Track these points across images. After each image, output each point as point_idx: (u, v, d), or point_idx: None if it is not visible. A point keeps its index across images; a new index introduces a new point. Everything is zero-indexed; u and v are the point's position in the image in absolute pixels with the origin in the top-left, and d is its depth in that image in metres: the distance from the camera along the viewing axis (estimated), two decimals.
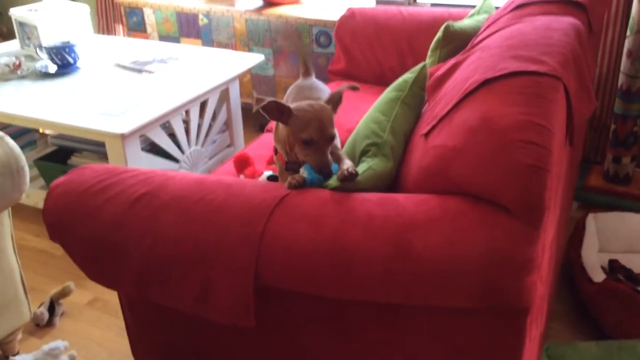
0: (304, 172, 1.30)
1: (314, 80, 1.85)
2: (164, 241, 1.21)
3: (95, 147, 2.44)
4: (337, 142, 1.59)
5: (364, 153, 1.33)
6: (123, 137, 2.06)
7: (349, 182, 1.20)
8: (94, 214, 1.28)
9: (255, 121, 3.40)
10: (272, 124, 1.70)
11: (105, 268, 1.29)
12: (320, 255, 1.12)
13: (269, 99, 1.29)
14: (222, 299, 1.19)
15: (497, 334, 1.17)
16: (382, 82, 2.58)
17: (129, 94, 2.33)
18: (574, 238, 2.04)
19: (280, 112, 1.30)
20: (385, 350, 1.27)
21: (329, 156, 1.27)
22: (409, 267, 1.07)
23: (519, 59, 1.22)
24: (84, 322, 2.03)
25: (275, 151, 1.45)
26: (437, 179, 1.18)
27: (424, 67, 1.45)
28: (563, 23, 1.37)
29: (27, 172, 1.59)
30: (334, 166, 1.29)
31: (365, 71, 2.70)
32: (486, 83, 1.20)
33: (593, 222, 2.05)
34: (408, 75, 1.45)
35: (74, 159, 2.49)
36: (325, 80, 3.00)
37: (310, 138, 1.27)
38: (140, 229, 1.23)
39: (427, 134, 1.27)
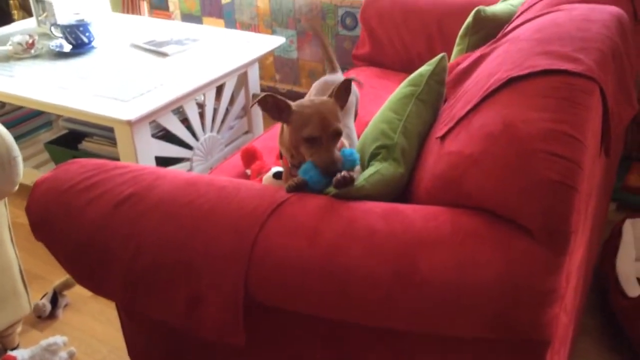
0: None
1: (340, 75, 1.74)
2: (148, 249, 1.11)
3: (107, 132, 2.35)
4: (354, 139, 1.46)
5: (373, 157, 1.20)
6: (130, 123, 1.97)
7: (345, 189, 1.08)
8: (76, 215, 1.18)
9: None
10: None
11: (88, 273, 1.20)
12: (315, 273, 1.01)
13: (265, 94, 1.17)
14: (210, 315, 1.09)
15: None
16: (409, 68, 2.40)
17: (142, 77, 2.23)
18: (608, 245, 1.88)
19: (279, 109, 1.18)
20: None
21: (336, 153, 1.17)
22: (412, 291, 0.96)
23: (550, 55, 1.07)
24: (87, 315, 1.96)
25: (281, 155, 1.33)
26: (451, 189, 1.05)
27: (442, 58, 1.31)
28: (603, 13, 1.21)
29: (20, 163, 1.51)
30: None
31: (391, 56, 2.55)
32: (511, 82, 1.07)
33: (631, 228, 1.89)
34: (425, 68, 1.31)
35: (85, 144, 2.41)
36: (350, 65, 2.86)
37: (312, 135, 1.16)
38: (124, 233, 1.14)
39: (443, 137, 1.14)
